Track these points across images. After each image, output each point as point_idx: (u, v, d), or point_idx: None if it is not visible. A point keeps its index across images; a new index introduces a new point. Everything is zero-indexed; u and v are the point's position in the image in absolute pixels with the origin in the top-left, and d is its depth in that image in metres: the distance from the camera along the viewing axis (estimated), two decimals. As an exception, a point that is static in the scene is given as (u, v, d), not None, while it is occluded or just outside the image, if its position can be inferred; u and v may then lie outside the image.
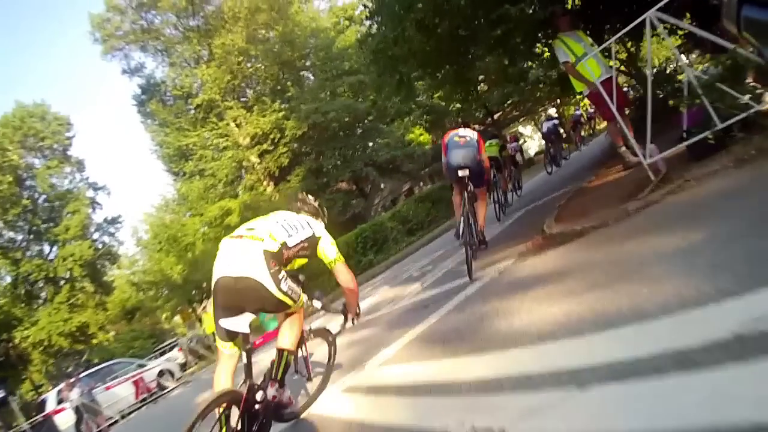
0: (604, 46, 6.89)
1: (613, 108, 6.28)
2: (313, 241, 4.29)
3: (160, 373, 23.04)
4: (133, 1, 35.70)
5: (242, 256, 3.84)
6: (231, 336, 3.97)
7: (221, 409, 3.54)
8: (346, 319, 4.80)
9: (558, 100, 38.41)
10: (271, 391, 3.96)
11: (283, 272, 3.87)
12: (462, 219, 7.21)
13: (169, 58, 37.96)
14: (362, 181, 38.17)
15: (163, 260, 37.13)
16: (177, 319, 42.19)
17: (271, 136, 34.93)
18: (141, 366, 23.40)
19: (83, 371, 23.83)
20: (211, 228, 34.76)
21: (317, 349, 5.44)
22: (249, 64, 37.30)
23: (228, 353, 4.03)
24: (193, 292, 37.47)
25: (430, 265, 11.25)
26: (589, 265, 4.42)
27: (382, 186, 42.89)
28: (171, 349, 30.93)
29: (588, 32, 8.70)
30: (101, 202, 45.46)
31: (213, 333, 15.87)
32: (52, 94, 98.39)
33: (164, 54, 38.17)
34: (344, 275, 4.42)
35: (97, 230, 44.20)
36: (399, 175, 38.60)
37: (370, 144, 37.77)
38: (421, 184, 40.29)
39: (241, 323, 3.87)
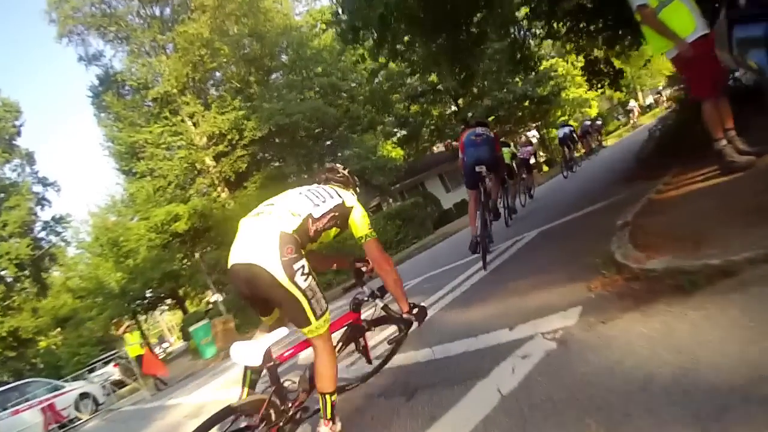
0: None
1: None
2: (344, 211, 3.84)
3: (81, 397, 19.37)
4: (94, -20, 33.08)
5: (255, 238, 3.42)
6: None
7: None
8: (402, 325, 4.23)
9: (540, 123, 36.73)
10: (325, 430, 3.49)
11: (302, 263, 3.34)
12: (478, 214, 7.93)
13: (128, 47, 35.53)
14: (332, 194, 36.03)
15: (101, 266, 34.39)
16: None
17: (229, 137, 32.76)
18: (58, 388, 19.66)
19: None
20: (157, 234, 32.07)
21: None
22: (212, 59, 34.88)
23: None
24: (134, 303, 34.89)
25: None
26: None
27: (350, 200, 40.73)
28: (107, 363, 27.57)
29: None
30: (50, 199, 43.21)
31: (137, 356, 13.05)
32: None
33: (125, 42, 35.70)
34: (376, 253, 3.95)
35: (44, 229, 42.05)
36: (368, 188, 36.22)
37: (339, 154, 35.83)
38: (391, 200, 37.91)
39: (246, 354, 3.48)
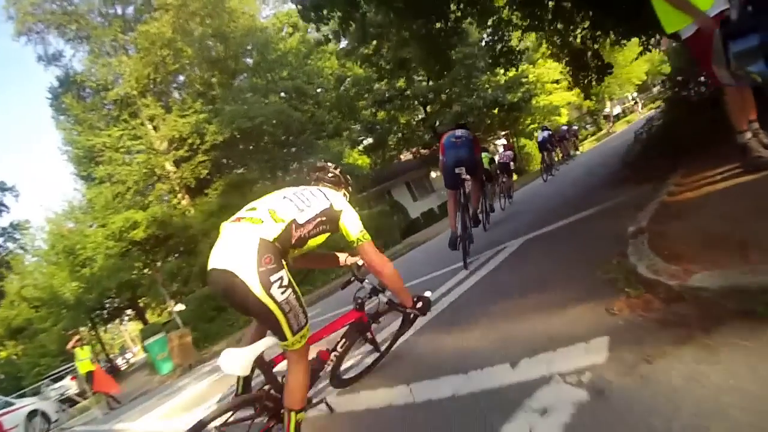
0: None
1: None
2: (332, 215, 3.68)
3: (30, 415, 17.82)
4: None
5: (233, 244, 3.24)
6: None
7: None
8: (406, 319, 4.35)
9: (509, 131, 36.15)
10: None
11: (280, 275, 3.13)
12: (458, 215, 7.97)
13: (89, 46, 34.49)
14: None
15: (56, 275, 33.59)
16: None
17: (189, 141, 31.90)
18: (8, 404, 18.24)
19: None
20: (115, 242, 30.96)
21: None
22: (175, 60, 33.97)
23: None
24: (92, 313, 34.11)
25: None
26: None
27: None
28: (61, 378, 27.14)
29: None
30: (8, 205, 41.60)
31: (88, 373, 11.96)
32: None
33: (85, 42, 34.64)
34: (372, 257, 3.81)
35: (1, 235, 40.77)
36: None
37: (304, 161, 34.77)
38: (357, 209, 36.31)
39: (235, 364, 3.36)
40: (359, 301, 4.29)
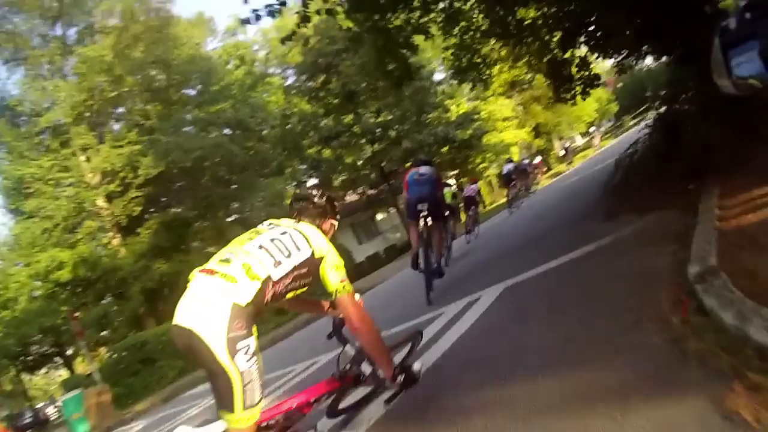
0: None
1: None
2: (313, 264, 3.23)
3: None
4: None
5: (202, 302, 2.88)
6: None
7: None
8: (380, 385, 3.74)
9: (458, 171, 35.36)
10: None
11: (248, 342, 2.82)
12: (420, 250, 8.10)
13: (26, 69, 32.82)
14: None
15: None
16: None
17: (122, 174, 30.18)
18: None
19: None
20: (42, 283, 29.32)
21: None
22: (113, 86, 32.37)
23: None
24: (15, 361, 31.49)
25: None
26: None
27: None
28: None
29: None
30: None
31: None
32: None
33: (23, 64, 32.77)
34: (351, 311, 3.35)
35: None
36: None
37: (239, 202, 34.02)
38: None
39: None
40: (341, 372, 3.61)
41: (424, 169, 8.52)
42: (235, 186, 34.12)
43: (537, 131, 43.95)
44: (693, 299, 2.96)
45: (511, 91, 41.88)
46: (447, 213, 12.51)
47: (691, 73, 8.64)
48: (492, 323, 5.13)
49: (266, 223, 3.43)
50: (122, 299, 28.22)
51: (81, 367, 37.51)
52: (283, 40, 12.04)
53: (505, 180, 24.18)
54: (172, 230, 30.02)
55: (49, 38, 32.64)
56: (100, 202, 30.85)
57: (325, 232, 3.51)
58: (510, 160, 26.29)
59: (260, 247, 3.15)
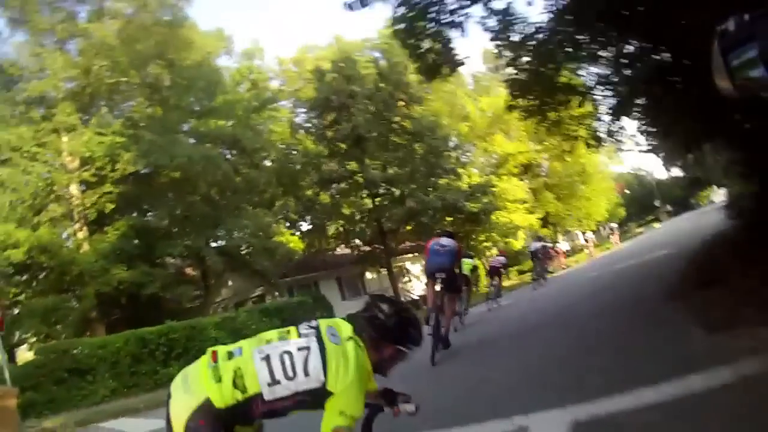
0: None
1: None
2: (319, 394, 2.76)
3: None
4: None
5: (189, 379, 2.81)
6: None
7: None
8: None
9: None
10: None
11: None
12: (434, 312, 8.66)
13: (26, 28, 30.34)
14: (208, 269, 32.00)
15: None
16: None
17: (99, 164, 28.17)
18: None
19: None
20: None
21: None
22: (111, 73, 30.47)
23: None
24: None
25: None
26: None
27: (229, 283, 36.65)
28: None
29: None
30: None
31: None
32: None
33: (27, 26, 30.21)
34: None
35: None
36: (249, 272, 32.16)
37: (221, 225, 32.27)
38: (277, 294, 33.95)
39: None
40: None
41: (445, 241, 9.38)
42: (220, 206, 32.62)
43: (546, 220, 43.56)
44: None
45: (524, 174, 40.97)
46: (463, 285, 13.10)
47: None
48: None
49: (303, 325, 2.94)
50: (74, 297, 26.38)
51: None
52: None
53: (532, 257, 24.97)
54: (142, 237, 28.14)
55: (59, 9, 30.64)
56: (73, 188, 28.92)
57: (377, 361, 2.95)
58: (539, 238, 27.70)
59: (264, 357, 2.82)
